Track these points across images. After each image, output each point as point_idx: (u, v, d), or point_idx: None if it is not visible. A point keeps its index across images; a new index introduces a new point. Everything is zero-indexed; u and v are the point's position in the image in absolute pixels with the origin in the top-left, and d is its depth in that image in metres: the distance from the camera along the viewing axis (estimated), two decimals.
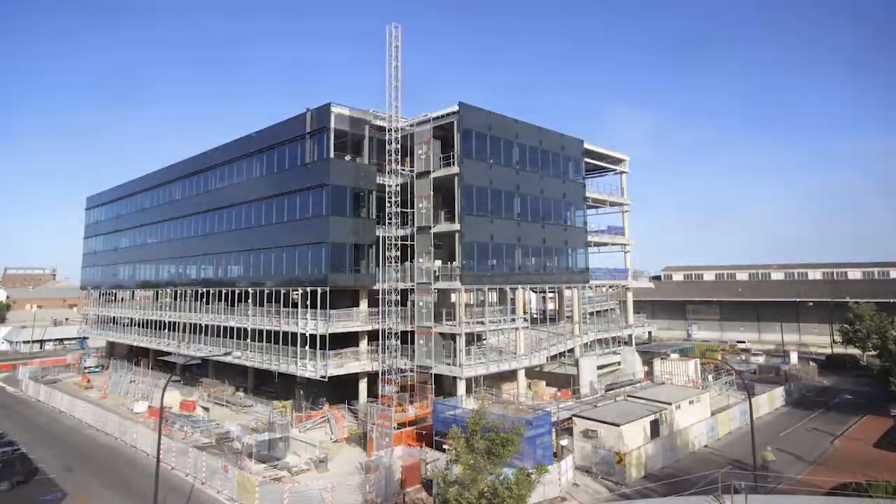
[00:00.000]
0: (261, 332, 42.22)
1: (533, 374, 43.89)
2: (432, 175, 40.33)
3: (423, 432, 33.47)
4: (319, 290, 37.13)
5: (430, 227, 39.70)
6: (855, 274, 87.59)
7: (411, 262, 40.95)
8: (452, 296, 39.85)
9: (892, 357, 42.26)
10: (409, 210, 40.59)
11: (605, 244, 58.19)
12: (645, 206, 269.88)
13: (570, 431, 33.29)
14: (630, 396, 39.26)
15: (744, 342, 78.77)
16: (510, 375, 41.31)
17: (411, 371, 37.95)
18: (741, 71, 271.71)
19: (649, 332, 55.68)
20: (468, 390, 37.83)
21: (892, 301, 68.57)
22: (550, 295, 50.94)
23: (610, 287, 55.42)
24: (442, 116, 40.55)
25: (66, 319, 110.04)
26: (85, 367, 67.28)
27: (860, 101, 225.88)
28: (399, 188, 38.73)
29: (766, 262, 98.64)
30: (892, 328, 44.11)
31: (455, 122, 39.74)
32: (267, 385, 48.47)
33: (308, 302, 38.12)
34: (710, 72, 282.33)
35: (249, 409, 44.04)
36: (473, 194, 40.16)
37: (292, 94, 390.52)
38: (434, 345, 38.43)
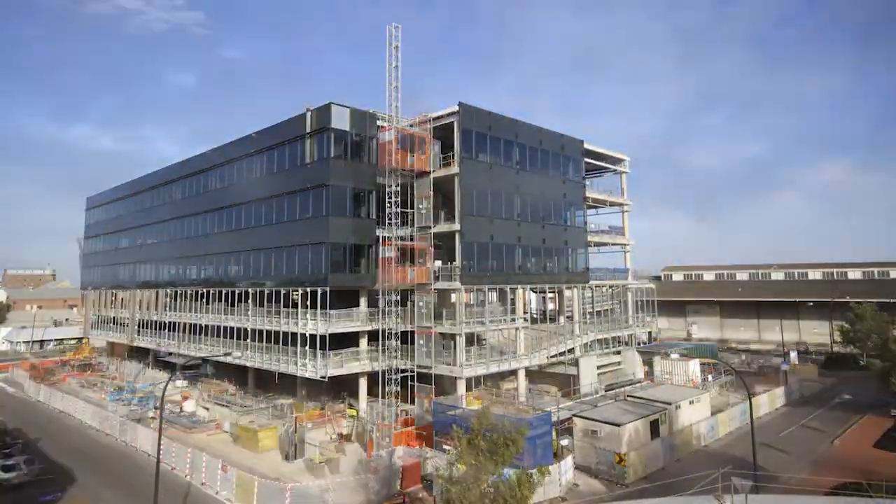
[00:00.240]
0: (261, 332, 42.23)
1: (533, 374, 43.88)
2: (432, 175, 40.35)
3: (424, 433, 33.49)
4: (319, 290, 37.12)
5: (430, 228, 39.71)
6: (855, 274, 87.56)
7: (411, 262, 40.94)
8: (452, 296, 39.85)
9: (892, 357, 42.24)
10: (409, 210, 40.59)
11: (605, 244, 58.17)
12: (645, 206, 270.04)
13: (570, 431, 33.29)
14: (630, 396, 39.26)
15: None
16: (510, 375, 41.30)
17: (411, 371, 37.96)
18: (741, 71, 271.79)
19: (649, 333, 55.63)
20: (468, 390, 37.85)
21: (892, 301, 68.52)
22: (550, 295, 50.93)
23: (610, 287, 55.38)
24: (442, 116, 40.57)
25: (67, 320, 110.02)
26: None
27: (861, 97, 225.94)
28: (399, 188, 38.73)
29: (766, 262, 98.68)
30: (893, 328, 44.06)
31: (455, 122, 39.75)
32: (267, 385, 48.46)
33: (308, 302, 38.11)
34: (710, 71, 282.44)
35: (250, 409, 44.01)
36: (473, 194, 40.17)
37: (292, 94, 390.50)
38: (434, 345, 38.43)
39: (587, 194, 52.12)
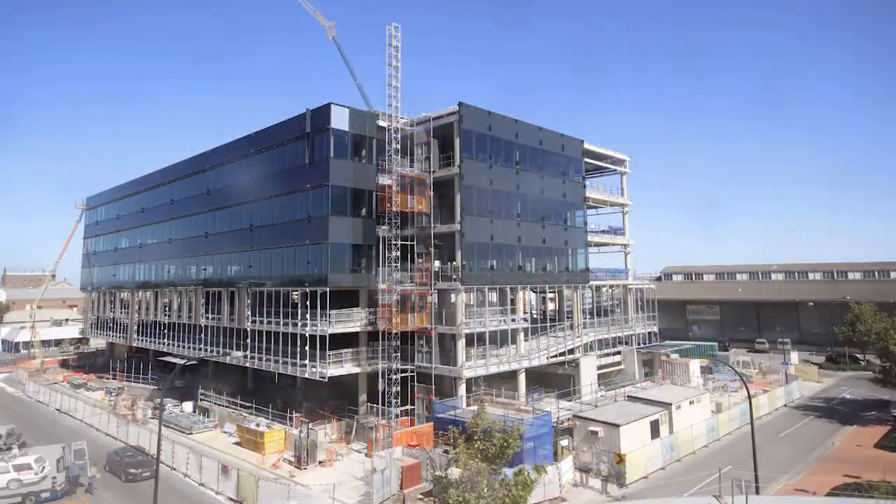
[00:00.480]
0: (260, 332, 42.19)
1: (533, 374, 43.85)
2: (432, 175, 40.31)
3: (424, 433, 33.46)
4: (319, 291, 37.08)
5: (430, 228, 39.68)
6: (855, 274, 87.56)
7: (411, 262, 40.91)
8: (452, 296, 39.81)
9: (892, 358, 42.26)
10: (409, 210, 40.51)
11: (605, 244, 58.13)
12: (645, 206, 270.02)
13: (570, 432, 33.27)
14: (630, 397, 39.24)
15: (763, 342, 78.02)
16: (510, 376, 41.27)
17: (411, 372, 37.93)
18: (741, 70, 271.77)
19: (650, 333, 55.61)
20: (468, 391, 37.82)
21: (892, 301, 68.48)
22: (551, 295, 50.90)
23: (610, 287, 55.35)
24: (442, 116, 40.54)
25: (66, 320, 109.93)
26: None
27: (861, 98, 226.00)
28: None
29: (766, 262, 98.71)
30: (894, 329, 44.00)
31: (455, 122, 39.72)
32: (266, 386, 48.41)
33: (308, 302, 38.08)
34: (710, 70, 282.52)
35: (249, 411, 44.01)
36: (473, 194, 40.13)
37: (292, 94, 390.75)
38: (434, 345, 38.40)
39: (587, 194, 52.09)
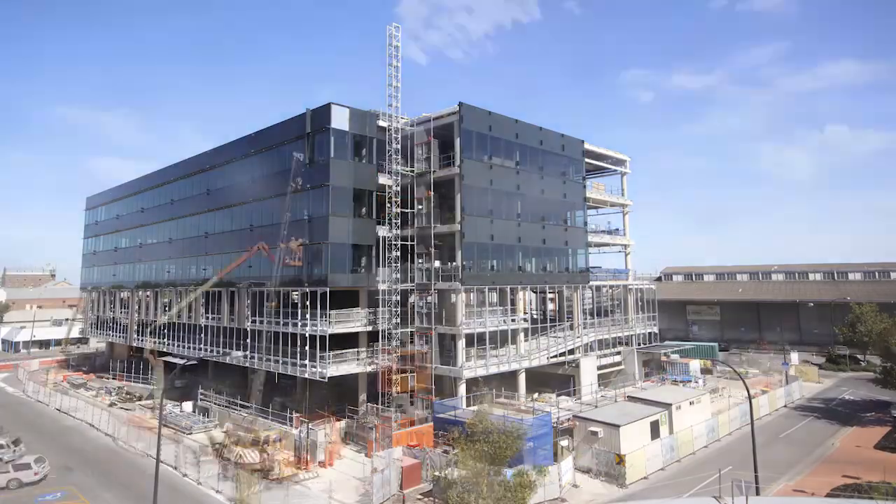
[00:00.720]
0: (260, 332, 42.17)
1: (533, 374, 43.84)
2: (432, 175, 40.31)
3: (424, 433, 33.43)
4: (319, 291, 37.07)
5: (430, 228, 39.66)
6: (855, 275, 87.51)
7: (411, 262, 40.88)
8: (452, 296, 39.80)
9: (894, 358, 42.25)
10: (409, 210, 40.54)
11: (605, 244, 58.13)
12: (646, 206, 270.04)
13: (570, 432, 33.24)
14: (630, 397, 39.22)
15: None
16: (510, 376, 41.26)
17: (411, 372, 37.90)
18: (741, 70, 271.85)
19: (650, 333, 55.62)
20: (468, 391, 37.80)
21: (892, 301, 68.47)
22: (551, 295, 50.89)
23: (611, 287, 55.36)
24: (442, 116, 40.55)
25: (66, 320, 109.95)
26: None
27: (861, 97, 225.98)
28: (399, 188, 38.69)
29: (766, 263, 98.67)
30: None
31: (455, 123, 39.72)
32: (266, 385, 48.40)
33: (308, 302, 38.06)
34: (711, 69, 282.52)
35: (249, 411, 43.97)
36: (473, 195, 40.12)
37: (292, 94, 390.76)
38: (434, 345, 38.38)
39: (587, 195, 52.08)
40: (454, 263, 39.63)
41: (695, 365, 51.97)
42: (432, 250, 40.03)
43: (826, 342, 74.13)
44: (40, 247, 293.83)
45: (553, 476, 27.09)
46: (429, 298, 39.77)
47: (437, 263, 40.46)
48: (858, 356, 65.10)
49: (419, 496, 27.64)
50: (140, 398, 52.13)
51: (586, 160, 52.05)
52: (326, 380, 36.50)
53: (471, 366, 37.71)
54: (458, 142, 39.45)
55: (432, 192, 40.26)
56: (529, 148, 45.27)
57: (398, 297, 38.22)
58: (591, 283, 50.74)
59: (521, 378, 41.70)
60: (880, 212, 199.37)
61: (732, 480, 22.91)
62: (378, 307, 38.60)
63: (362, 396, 40.06)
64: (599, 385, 45.96)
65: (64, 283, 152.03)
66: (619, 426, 30.72)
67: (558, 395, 41.38)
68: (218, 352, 46.46)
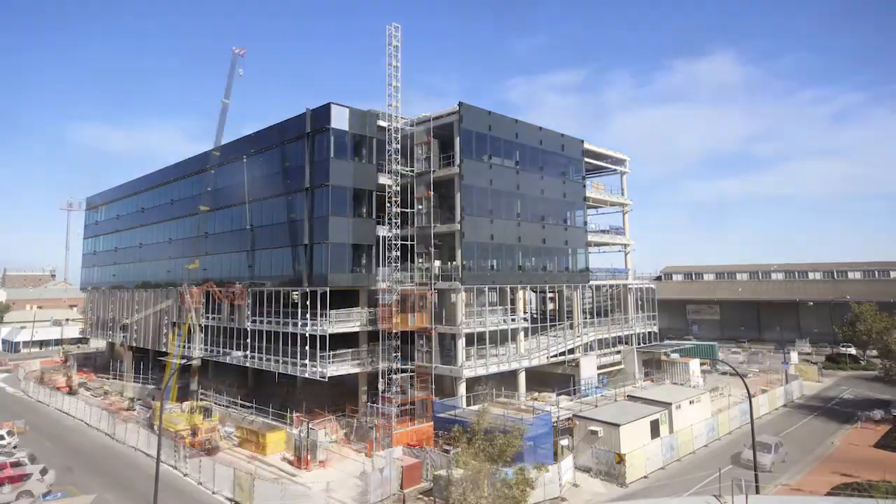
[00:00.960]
0: (260, 332, 42.18)
1: (533, 374, 43.86)
2: (432, 175, 40.31)
3: (424, 433, 33.45)
4: (319, 291, 37.07)
5: (430, 228, 39.67)
6: (855, 274, 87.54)
7: (411, 262, 40.87)
8: (452, 296, 39.81)
9: (893, 358, 42.29)
10: (409, 210, 40.53)
11: (605, 244, 58.12)
12: (646, 206, 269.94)
13: (570, 432, 33.27)
14: (630, 396, 39.23)
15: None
16: (510, 376, 41.28)
17: (411, 372, 37.91)
18: (741, 69, 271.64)
19: (650, 333, 55.62)
20: (468, 390, 37.80)
21: (892, 301, 68.49)
22: (550, 295, 50.93)
23: (610, 287, 55.39)
24: (442, 116, 40.55)
25: (67, 320, 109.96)
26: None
27: (861, 97, 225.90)
28: (399, 188, 38.69)
29: (766, 263, 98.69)
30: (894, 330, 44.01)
31: (455, 123, 39.72)
32: (266, 386, 48.45)
33: (308, 302, 38.08)
34: (710, 69, 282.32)
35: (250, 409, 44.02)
36: (473, 194, 40.12)
37: (292, 94, 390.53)
38: (434, 345, 38.38)
39: (587, 194, 52.08)
40: (454, 263, 39.63)
41: (695, 364, 51.96)
42: (432, 250, 40.03)
43: (826, 341, 74.19)
44: (40, 247, 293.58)
45: (553, 475, 27.10)
46: (429, 297, 39.75)
47: (437, 263, 40.46)
48: (858, 355, 65.09)
49: (419, 495, 27.66)
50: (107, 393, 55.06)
51: (586, 160, 52.06)
52: (326, 379, 36.51)
53: (471, 365, 37.72)
54: (457, 141, 39.46)
55: (432, 192, 40.26)
56: (529, 147, 45.28)
57: (398, 297, 38.22)
58: (590, 282, 50.75)
59: (521, 377, 41.71)
60: (880, 211, 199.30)
61: (732, 479, 22.96)
62: (378, 307, 38.59)
63: (362, 396, 40.07)
64: (599, 382, 45.98)
65: (64, 283, 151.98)
66: (619, 425, 30.74)
67: (558, 395, 41.40)
68: (218, 351, 46.48)
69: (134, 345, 63.17)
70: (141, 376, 58.69)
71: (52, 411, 48.64)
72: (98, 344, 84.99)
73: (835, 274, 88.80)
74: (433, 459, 29.35)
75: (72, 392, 48.33)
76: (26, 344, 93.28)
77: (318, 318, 36.77)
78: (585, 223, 51.56)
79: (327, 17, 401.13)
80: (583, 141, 51.13)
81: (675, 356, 54.30)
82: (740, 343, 78.68)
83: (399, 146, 38.60)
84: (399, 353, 37.63)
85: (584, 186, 51.52)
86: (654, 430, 33.36)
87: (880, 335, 46.62)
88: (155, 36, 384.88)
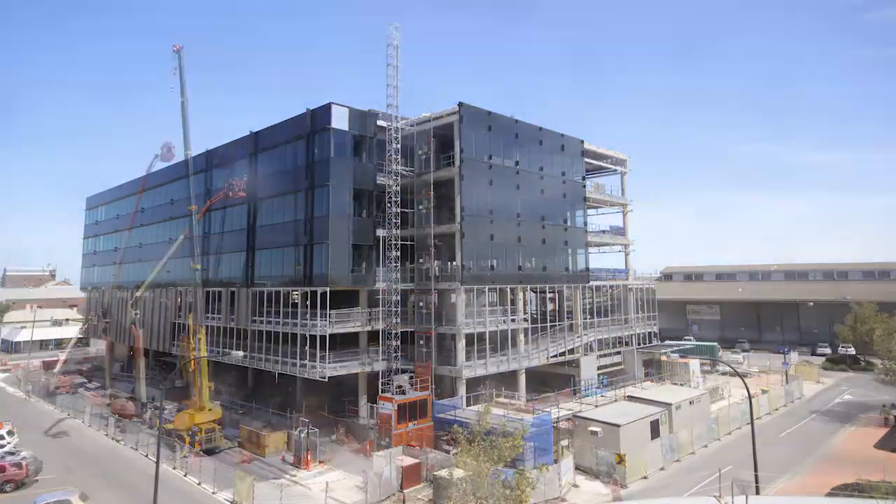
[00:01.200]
0: (260, 332, 42.18)
1: (533, 374, 43.86)
2: (432, 175, 40.31)
3: (424, 433, 33.44)
4: (319, 291, 37.07)
5: (430, 228, 39.66)
6: (855, 274, 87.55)
7: (411, 262, 40.82)
8: (452, 296, 39.82)
9: (893, 358, 42.28)
10: (409, 210, 40.49)
11: (605, 244, 58.12)
12: (646, 206, 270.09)
13: (570, 432, 33.26)
14: (630, 397, 39.22)
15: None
16: (510, 376, 41.28)
17: (411, 372, 37.92)
18: (741, 69, 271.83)
19: (650, 333, 55.62)
20: (468, 390, 37.79)
21: (892, 301, 68.45)
22: (550, 295, 50.96)
23: (610, 287, 55.41)
24: (442, 116, 40.55)
25: (67, 320, 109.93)
26: None
27: (861, 98, 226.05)
28: (399, 188, 38.70)
29: (766, 263, 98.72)
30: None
31: (455, 123, 39.72)
32: (266, 386, 48.45)
33: (308, 302, 38.08)
34: (710, 70, 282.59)
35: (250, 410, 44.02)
36: (473, 194, 40.12)
37: (292, 94, 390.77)
38: (434, 345, 38.38)
39: (587, 194, 52.09)
40: (454, 263, 39.63)
41: (695, 365, 51.96)
42: (432, 250, 40.02)
43: (826, 341, 74.17)
44: (40, 247, 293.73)
45: (553, 476, 27.10)
46: (428, 298, 39.77)
47: (437, 263, 40.45)
48: (858, 355, 65.06)
49: (419, 496, 27.67)
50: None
51: (586, 160, 52.06)
52: (326, 379, 36.51)
53: (471, 365, 37.72)
54: (457, 142, 39.46)
55: (432, 192, 40.26)
56: (529, 148, 45.29)
57: (398, 297, 38.22)
58: (590, 282, 50.75)
59: (521, 378, 41.72)
60: (880, 211, 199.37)
61: (732, 480, 22.92)
62: (378, 307, 38.60)
63: (363, 396, 40.06)
64: (599, 383, 45.96)
65: (64, 282, 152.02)
66: (619, 426, 30.73)
67: (558, 395, 41.32)
68: (218, 352, 46.45)
69: (134, 344, 63.11)
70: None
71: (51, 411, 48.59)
72: (98, 345, 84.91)
73: (835, 274, 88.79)
74: (433, 460, 29.35)
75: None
76: (26, 344, 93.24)
77: (319, 319, 36.77)
78: (585, 223, 51.58)
79: (327, 17, 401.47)
80: (583, 141, 51.14)
81: (675, 356, 54.33)
82: (739, 346, 78.39)
83: (399, 146, 38.61)
84: (399, 354, 37.68)
85: (584, 186, 51.52)
86: (655, 430, 33.35)
87: (880, 336, 46.59)
88: (154, 36, 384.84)
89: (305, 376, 37.68)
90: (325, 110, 39.31)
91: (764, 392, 45.73)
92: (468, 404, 36.25)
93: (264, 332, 41.67)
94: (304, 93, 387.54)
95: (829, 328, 69.74)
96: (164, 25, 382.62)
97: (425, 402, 35.01)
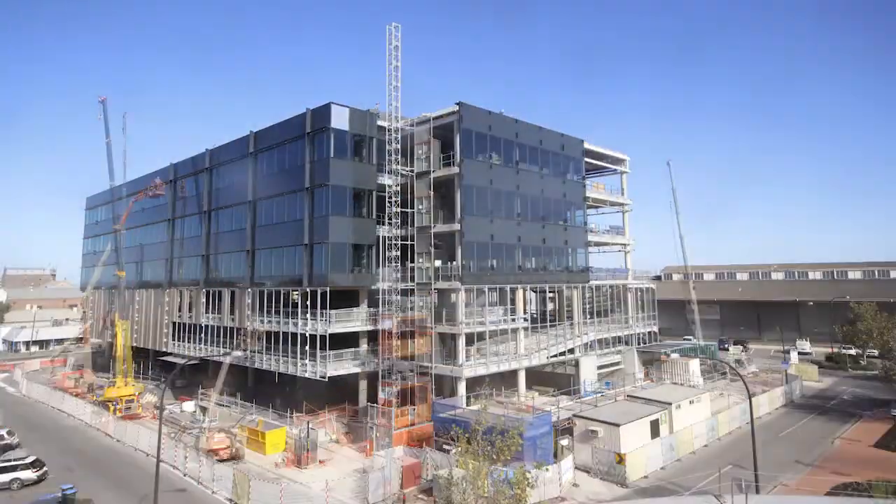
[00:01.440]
0: (260, 332, 42.21)
1: (533, 374, 43.90)
2: (432, 175, 40.33)
3: (424, 433, 33.45)
4: (319, 291, 37.10)
5: (430, 227, 39.67)
6: (855, 274, 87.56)
7: (411, 262, 40.86)
8: (452, 296, 39.83)
9: (893, 358, 42.30)
10: (409, 210, 40.52)
11: (605, 244, 58.16)
12: (646, 205, 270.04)
13: (570, 431, 33.26)
14: (630, 396, 39.23)
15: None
16: (510, 375, 41.30)
17: (411, 372, 37.93)
18: (742, 69, 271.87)
19: (650, 333, 55.64)
20: (468, 390, 37.81)
21: (892, 301, 68.48)
22: (550, 295, 51.01)
23: (610, 287, 55.46)
24: (442, 116, 40.57)
25: (67, 320, 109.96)
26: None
27: (861, 99, 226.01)
28: (399, 188, 38.71)
29: (766, 263, 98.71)
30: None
31: (455, 122, 39.74)
32: (266, 385, 48.47)
33: (308, 302, 38.11)
34: (711, 71, 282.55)
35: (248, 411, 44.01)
36: (473, 194, 40.15)
37: (292, 94, 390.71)
38: (434, 345, 38.39)
39: (587, 194, 52.11)
40: (454, 263, 39.64)
41: (694, 364, 51.96)
42: (432, 250, 40.03)
43: (825, 341, 74.15)
44: (40, 247, 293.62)
45: (553, 475, 27.11)
46: (428, 298, 39.78)
47: (437, 263, 40.46)
48: (858, 355, 65.07)
49: (419, 495, 27.67)
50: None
51: (586, 160, 52.10)
52: (326, 379, 36.53)
53: (471, 365, 37.73)
54: (457, 141, 39.48)
55: (432, 192, 40.28)
56: (529, 147, 45.31)
57: (398, 297, 38.22)
58: (590, 282, 50.78)
59: (521, 377, 41.74)
60: (880, 211, 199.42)
61: (732, 479, 22.97)
62: (378, 307, 38.62)
63: (362, 396, 40.08)
64: (601, 385, 45.98)
65: (64, 282, 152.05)
66: (619, 425, 30.75)
67: (558, 395, 41.40)
68: (218, 351, 46.49)
69: (134, 344, 63.17)
70: (141, 376, 58.73)
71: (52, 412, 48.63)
72: (98, 342, 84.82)
73: (835, 274, 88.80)
74: (433, 459, 29.35)
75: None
76: (27, 344, 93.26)
77: (319, 318, 36.79)
78: (585, 223, 51.62)
79: (328, 16, 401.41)
80: (583, 141, 51.16)
81: (675, 356, 54.35)
82: (738, 342, 78.42)
83: (399, 146, 38.63)
84: (399, 354, 37.65)
85: (584, 186, 51.55)
86: (654, 429, 33.36)
87: (880, 335, 46.62)
88: (153, 36, 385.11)
89: (305, 376, 37.72)
90: (325, 110, 39.34)
91: (764, 391, 45.75)
92: (468, 404, 36.28)
93: (264, 332, 41.70)
94: (305, 92, 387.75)
95: (830, 328, 69.74)
96: (162, 26, 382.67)
97: (424, 389, 35.85)
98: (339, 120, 39.61)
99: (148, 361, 62.08)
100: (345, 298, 40.10)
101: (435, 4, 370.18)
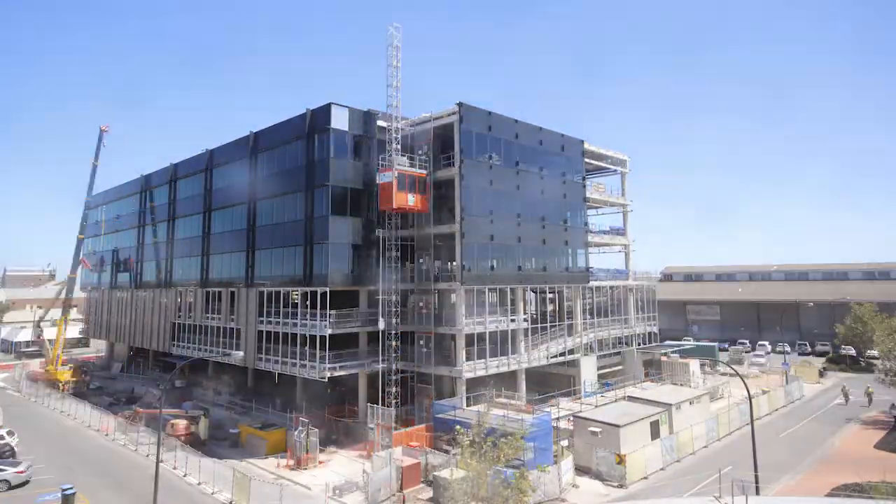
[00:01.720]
0: (260, 332, 42.19)
1: (533, 374, 43.85)
2: (432, 175, 40.29)
3: (424, 433, 33.43)
4: (319, 291, 37.07)
5: (429, 228, 39.61)
6: (855, 274, 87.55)
7: (411, 262, 40.75)
8: (452, 296, 39.79)
9: (893, 358, 42.29)
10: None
11: (605, 244, 58.09)
12: (646, 206, 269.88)
13: (570, 432, 33.25)
14: (630, 397, 39.21)
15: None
16: (510, 376, 41.26)
17: (411, 372, 37.91)
18: (742, 70, 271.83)
19: (650, 333, 55.60)
20: (468, 391, 37.78)
21: (892, 301, 68.50)
22: (550, 295, 50.96)
23: (611, 287, 55.43)
24: (442, 116, 40.54)
25: (61, 314, 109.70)
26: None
27: (861, 98, 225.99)
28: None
29: (766, 263, 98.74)
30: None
31: (455, 123, 39.71)
32: (266, 385, 48.47)
33: (308, 302, 38.08)
34: (711, 71, 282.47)
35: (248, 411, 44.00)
36: (473, 194, 40.10)
37: (292, 94, 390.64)
38: (434, 346, 38.34)
39: (587, 194, 52.05)
40: (454, 263, 39.59)
41: (695, 365, 51.97)
42: (432, 250, 39.96)
43: (826, 341, 74.17)
44: (40, 247, 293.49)
45: (553, 476, 27.09)
46: (428, 298, 39.75)
47: (437, 263, 40.39)
48: (858, 355, 65.09)
49: (419, 496, 27.65)
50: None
51: (586, 160, 52.02)
52: (326, 380, 36.50)
53: (471, 366, 37.69)
54: (457, 142, 39.44)
55: (432, 192, 40.23)
56: (529, 148, 45.25)
57: (398, 297, 38.20)
58: (591, 283, 50.73)
59: (521, 378, 41.70)
60: (880, 210, 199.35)
61: (732, 480, 22.90)
62: (378, 307, 38.60)
63: (362, 397, 40.04)
64: (601, 385, 45.97)
65: (64, 283, 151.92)
66: (619, 426, 30.72)
67: (558, 395, 41.35)
68: (218, 352, 46.47)
69: (134, 345, 63.22)
70: (142, 377, 58.83)
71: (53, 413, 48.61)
72: (98, 345, 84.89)
73: (835, 274, 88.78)
74: (433, 460, 29.33)
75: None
76: (26, 344, 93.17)
77: (318, 319, 36.77)
78: (585, 223, 51.54)
79: (327, 16, 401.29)
80: (583, 141, 51.12)
81: (675, 356, 54.33)
82: (738, 343, 78.37)
83: (399, 146, 38.62)
84: (399, 354, 37.67)
85: (584, 187, 51.48)
86: (654, 430, 33.34)
87: (880, 336, 46.63)
88: (153, 35, 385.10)
89: (305, 376, 37.69)
90: (325, 110, 39.32)
91: (764, 392, 45.74)
92: (468, 405, 36.24)
93: (264, 333, 41.68)
94: (305, 93, 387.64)
95: (830, 328, 69.74)
96: (163, 26, 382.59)
97: (424, 390, 36.28)
98: (340, 120, 39.59)
99: (148, 361, 62.14)
100: (345, 299, 40.07)
101: (435, 4, 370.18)
